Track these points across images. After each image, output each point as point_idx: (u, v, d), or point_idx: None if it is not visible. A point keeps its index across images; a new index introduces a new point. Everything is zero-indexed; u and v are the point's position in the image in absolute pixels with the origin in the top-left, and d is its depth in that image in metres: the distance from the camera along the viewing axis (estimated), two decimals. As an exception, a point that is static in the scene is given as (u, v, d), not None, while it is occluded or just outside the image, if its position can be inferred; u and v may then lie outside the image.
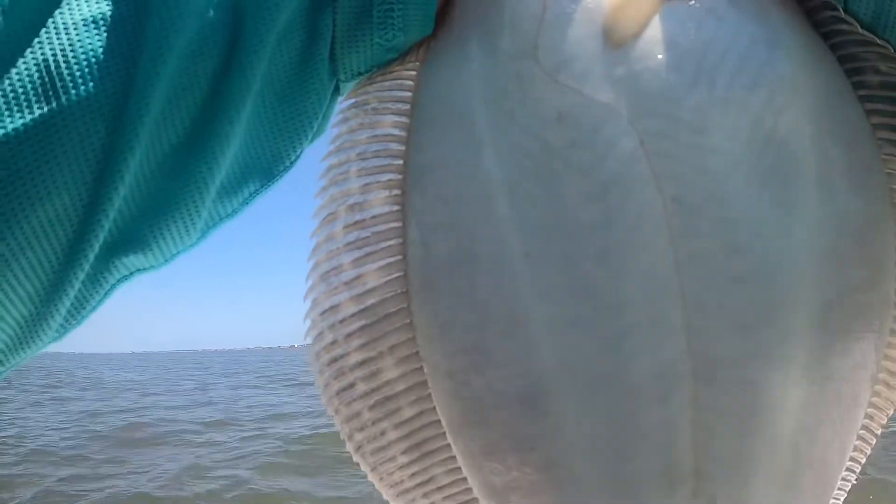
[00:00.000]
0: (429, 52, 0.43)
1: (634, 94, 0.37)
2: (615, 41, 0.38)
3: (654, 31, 0.38)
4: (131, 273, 0.37)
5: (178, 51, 0.34)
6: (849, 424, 0.40)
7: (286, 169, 0.41)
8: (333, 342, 0.38)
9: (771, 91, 0.37)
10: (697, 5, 0.39)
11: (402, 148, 0.40)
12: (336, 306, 0.38)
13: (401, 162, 0.40)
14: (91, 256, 0.33)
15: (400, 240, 0.39)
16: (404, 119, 0.41)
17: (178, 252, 0.37)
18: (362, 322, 0.38)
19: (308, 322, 0.38)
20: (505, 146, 0.38)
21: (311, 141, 0.41)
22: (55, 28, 0.32)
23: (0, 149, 0.30)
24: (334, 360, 0.38)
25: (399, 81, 0.42)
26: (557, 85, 0.37)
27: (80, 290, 0.34)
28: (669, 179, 0.36)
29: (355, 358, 0.38)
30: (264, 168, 0.40)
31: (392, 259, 0.38)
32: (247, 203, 0.40)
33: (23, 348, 0.34)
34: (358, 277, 0.38)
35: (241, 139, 0.37)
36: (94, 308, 0.36)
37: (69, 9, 0.32)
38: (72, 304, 0.34)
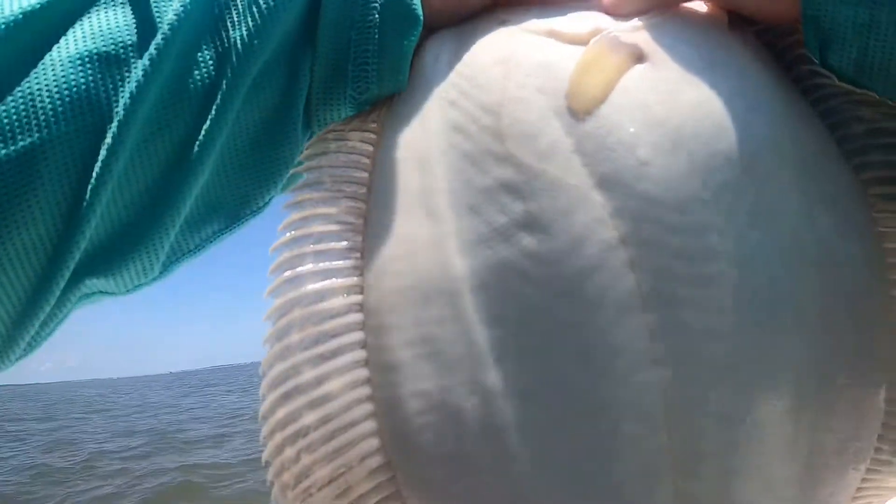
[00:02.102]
0: (389, 115, 0.40)
1: (606, 174, 0.34)
2: (578, 110, 0.35)
3: (624, 99, 0.35)
4: (93, 293, 0.37)
5: (158, 91, 0.34)
6: (836, 499, 0.38)
7: (254, 213, 0.41)
8: (297, 461, 0.35)
9: (752, 159, 0.34)
10: (670, 68, 0.36)
11: (360, 239, 0.37)
12: (298, 422, 0.35)
13: (359, 256, 0.37)
14: (62, 283, 0.34)
15: (363, 352, 0.36)
16: (360, 204, 0.38)
17: (141, 284, 0.38)
18: (328, 436, 0.35)
19: (265, 431, 0.35)
20: (469, 239, 0.35)
21: (283, 190, 0.40)
22: (42, 64, 0.33)
23: None
24: (299, 479, 0.35)
25: (355, 157, 0.39)
26: (523, 167, 0.34)
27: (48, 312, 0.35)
28: (648, 269, 0.33)
29: (322, 473, 0.35)
30: (231, 209, 0.39)
31: (356, 373, 0.35)
32: (210, 241, 0.40)
33: None
34: (319, 388, 0.35)
35: (208, 177, 0.37)
36: (56, 326, 0.37)
37: (57, 47, 0.33)
38: (39, 324, 0.35)
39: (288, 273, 0.36)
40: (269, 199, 0.41)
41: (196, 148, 0.36)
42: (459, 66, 0.39)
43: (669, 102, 0.35)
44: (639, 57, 0.36)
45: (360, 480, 0.35)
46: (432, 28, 0.40)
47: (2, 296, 0.33)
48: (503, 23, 0.40)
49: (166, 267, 0.38)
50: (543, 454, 0.34)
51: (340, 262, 0.36)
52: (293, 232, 0.37)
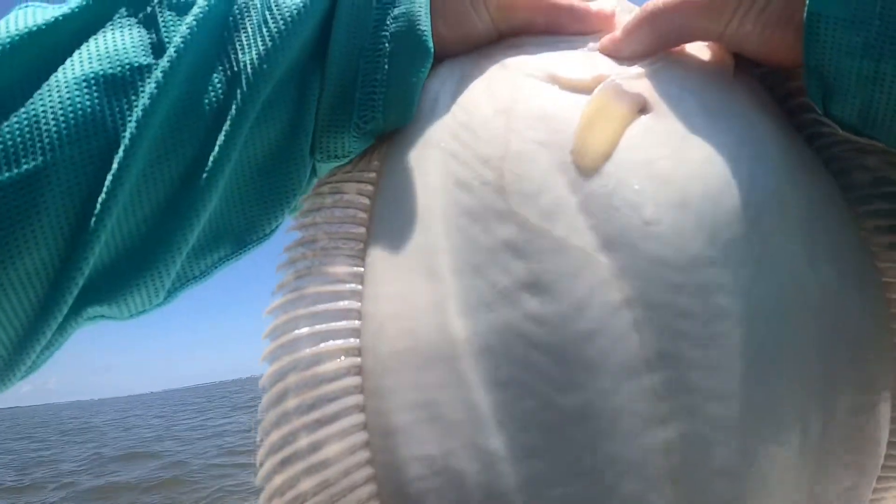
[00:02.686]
0: (387, 163, 0.39)
1: (611, 234, 0.33)
2: (585, 168, 0.34)
3: (629, 155, 0.35)
4: (94, 318, 0.36)
5: (165, 115, 0.34)
6: None
7: (261, 239, 0.40)
8: None
9: (758, 213, 0.34)
10: (674, 120, 0.36)
11: (357, 299, 0.36)
12: (296, 489, 0.34)
13: (356, 316, 0.36)
14: (65, 309, 0.33)
15: (361, 415, 0.35)
16: (357, 262, 0.37)
17: (145, 310, 0.37)
18: (328, 501, 0.34)
19: (263, 498, 0.34)
20: (470, 301, 0.34)
21: (289, 214, 0.40)
22: (48, 85, 0.32)
23: None
24: None
25: (351, 212, 0.38)
26: (526, 226, 0.34)
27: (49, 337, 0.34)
28: (653, 331, 0.33)
29: None
30: (237, 235, 0.39)
31: (355, 437, 0.35)
32: (216, 266, 0.40)
33: None
34: (317, 453, 0.34)
35: (217, 203, 0.37)
36: (57, 348, 0.36)
37: (63, 68, 0.33)
38: (41, 349, 0.34)
39: (283, 337, 0.35)
40: (277, 226, 0.40)
41: (205, 174, 0.35)
42: (460, 114, 0.38)
43: (674, 158, 0.35)
44: (642, 107, 0.36)
45: None
46: (436, 57, 0.40)
47: (3, 322, 0.32)
48: (503, 65, 0.39)
49: (171, 293, 0.38)
50: None
51: (337, 324, 0.36)
52: (288, 294, 0.36)
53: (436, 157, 0.37)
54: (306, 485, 0.34)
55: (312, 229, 0.38)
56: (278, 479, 0.34)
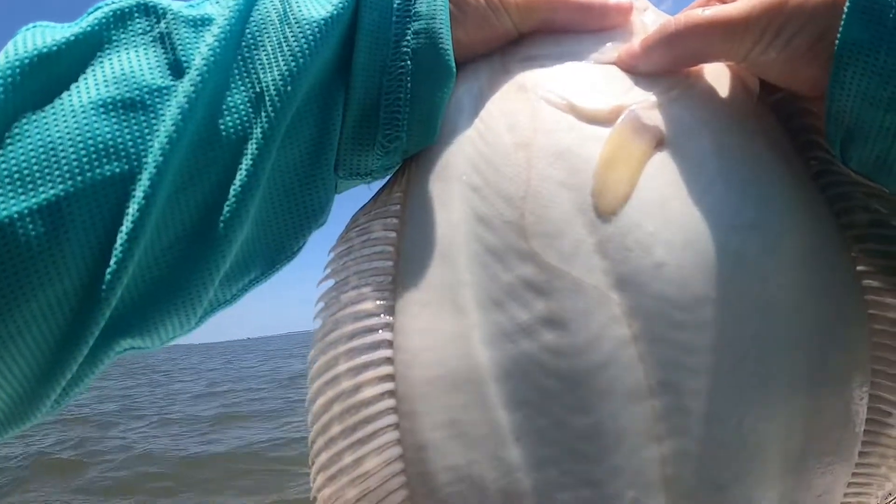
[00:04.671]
0: (410, 196, 0.42)
1: (624, 274, 0.37)
2: (604, 210, 0.37)
3: (643, 195, 0.37)
4: (125, 350, 0.36)
5: (189, 140, 0.33)
6: None
7: (288, 258, 0.41)
8: None
9: (758, 254, 0.37)
10: (688, 158, 0.38)
11: (388, 332, 0.41)
12: (342, 498, 0.40)
13: (388, 347, 0.41)
14: (91, 340, 0.33)
15: (396, 433, 0.40)
16: (387, 300, 0.41)
17: (175, 337, 0.37)
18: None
19: None
20: (492, 332, 0.38)
21: (314, 229, 0.42)
22: (63, 110, 0.31)
23: (2, 231, 0.29)
24: None
25: (378, 249, 0.42)
26: (546, 267, 0.38)
27: (77, 369, 0.34)
28: (656, 363, 0.37)
29: None
30: (267, 256, 0.40)
31: (390, 452, 0.40)
32: (246, 289, 0.41)
33: (13, 425, 0.34)
34: (359, 468, 0.40)
35: (248, 227, 0.37)
36: (88, 384, 0.36)
37: (77, 92, 0.32)
38: (68, 382, 0.34)
39: (325, 375, 0.40)
40: (303, 244, 0.41)
41: (234, 199, 0.35)
42: (480, 144, 0.40)
43: (686, 198, 0.37)
44: (659, 141, 0.38)
45: None
46: (457, 63, 0.40)
47: (25, 353, 0.31)
48: (521, 85, 0.41)
49: (201, 319, 0.38)
50: None
51: (371, 356, 0.41)
52: (326, 337, 0.41)
53: (457, 190, 0.40)
54: (351, 493, 0.40)
55: (344, 272, 0.42)
56: (328, 491, 0.40)
